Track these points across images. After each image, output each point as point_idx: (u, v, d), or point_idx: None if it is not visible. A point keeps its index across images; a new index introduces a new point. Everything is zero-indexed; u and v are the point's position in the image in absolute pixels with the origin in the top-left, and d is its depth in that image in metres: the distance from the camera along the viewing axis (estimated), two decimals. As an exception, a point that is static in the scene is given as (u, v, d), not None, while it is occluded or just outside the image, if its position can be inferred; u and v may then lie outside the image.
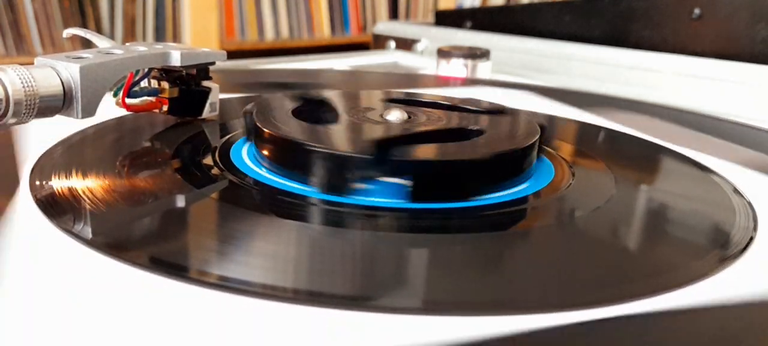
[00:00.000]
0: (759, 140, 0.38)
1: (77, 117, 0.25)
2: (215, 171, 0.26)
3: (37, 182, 0.24)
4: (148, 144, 0.31)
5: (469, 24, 0.77)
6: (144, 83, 0.31)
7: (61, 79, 0.25)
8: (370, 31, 1.28)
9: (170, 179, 0.26)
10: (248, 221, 0.22)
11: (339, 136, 0.27)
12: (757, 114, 0.47)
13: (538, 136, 0.27)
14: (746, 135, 0.39)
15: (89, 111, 0.25)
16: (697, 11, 0.57)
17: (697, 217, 0.25)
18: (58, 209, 0.22)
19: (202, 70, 0.33)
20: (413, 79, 0.57)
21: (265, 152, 0.26)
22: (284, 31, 1.55)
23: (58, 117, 0.25)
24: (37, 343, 0.15)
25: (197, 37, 1.37)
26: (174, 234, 0.22)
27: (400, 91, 0.36)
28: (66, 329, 0.15)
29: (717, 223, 0.24)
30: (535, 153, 0.27)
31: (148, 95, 0.31)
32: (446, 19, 0.81)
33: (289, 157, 0.25)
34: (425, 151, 0.25)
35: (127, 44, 0.30)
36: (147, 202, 0.24)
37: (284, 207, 0.23)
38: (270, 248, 0.21)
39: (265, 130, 0.26)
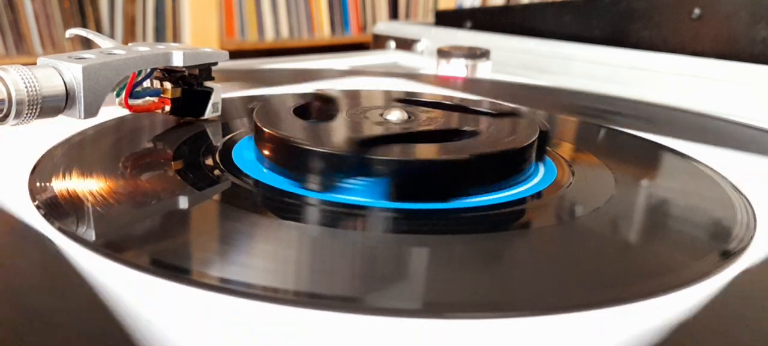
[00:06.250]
0: (759, 140, 0.38)
1: (80, 117, 0.25)
2: (217, 172, 0.26)
3: (38, 183, 0.24)
4: (149, 145, 0.31)
5: (469, 24, 0.77)
6: (146, 84, 0.31)
7: (63, 80, 0.25)
8: (370, 31, 1.28)
9: (172, 180, 0.26)
10: (249, 222, 0.22)
11: (338, 137, 0.27)
12: (757, 114, 0.47)
13: (536, 137, 0.27)
14: (746, 135, 0.39)
15: (92, 111, 0.25)
16: (697, 11, 0.57)
17: (697, 216, 0.26)
18: (59, 210, 0.22)
19: (205, 71, 0.33)
20: (413, 79, 0.57)
21: (267, 153, 0.26)
22: (284, 31, 1.55)
23: (59, 117, 0.25)
24: (37, 345, 0.15)
25: (197, 37, 1.37)
26: (175, 236, 0.22)
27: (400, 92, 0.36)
28: (66, 331, 0.15)
29: (717, 222, 0.24)
30: (532, 154, 0.27)
31: (151, 96, 0.31)
32: (446, 19, 0.81)
33: (289, 158, 0.25)
34: (419, 151, 0.25)
35: (130, 44, 0.30)
36: (148, 203, 0.24)
37: (286, 208, 0.23)
38: (271, 249, 0.21)
39: (266, 130, 0.26)
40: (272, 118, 0.28)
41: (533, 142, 0.27)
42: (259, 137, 0.27)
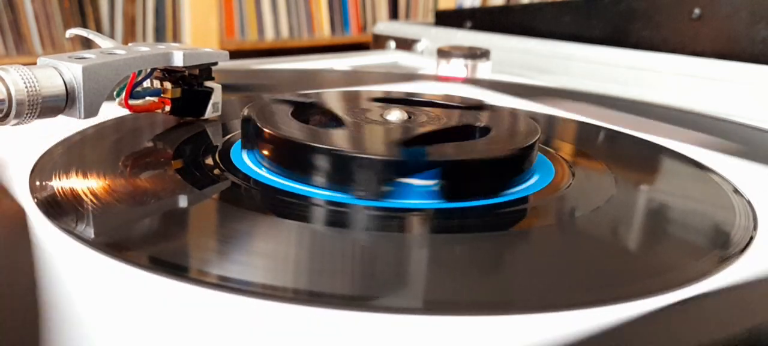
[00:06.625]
0: (759, 140, 0.39)
1: (80, 117, 0.25)
2: (216, 171, 0.26)
3: (38, 182, 0.24)
4: (149, 144, 0.31)
5: (469, 24, 0.77)
6: (146, 83, 0.31)
7: (63, 80, 0.25)
8: (370, 31, 1.28)
9: (171, 179, 0.26)
10: (249, 221, 0.22)
11: (345, 137, 0.27)
12: (757, 114, 0.47)
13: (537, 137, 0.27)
14: (746, 135, 0.39)
15: (92, 111, 0.25)
16: (697, 11, 0.57)
17: (697, 217, 0.26)
18: (59, 209, 0.22)
19: (205, 71, 0.33)
20: (413, 79, 0.57)
21: (266, 153, 0.26)
22: (284, 31, 1.55)
23: (59, 117, 0.25)
24: (37, 343, 0.15)
25: (197, 37, 1.37)
26: (175, 234, 0.22)
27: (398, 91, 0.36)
28: (66, 330, 0.15)
29: (717, 223, 0.24)
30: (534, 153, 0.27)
31: (151, 96, 0.32)
32: (446, 19, 0.81)
33: (295, 158, 0.25)
34: (447, 150, 0.25)
35: (130, 44, 0.30)
36: (148, 202, 0.24)
37: (285, 207, 0.23)
38: (270, 248, 0.21)
39: (266, 131, 0.26)
40: (269, 119, 0.28)
41: (534, 143, 0.27)
42: (258, 138, 0.27)
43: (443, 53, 0.57)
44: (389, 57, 0.71)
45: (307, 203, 0.23)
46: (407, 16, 1.72)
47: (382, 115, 0.29)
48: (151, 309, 0.16)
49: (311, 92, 0.33)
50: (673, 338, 0.17)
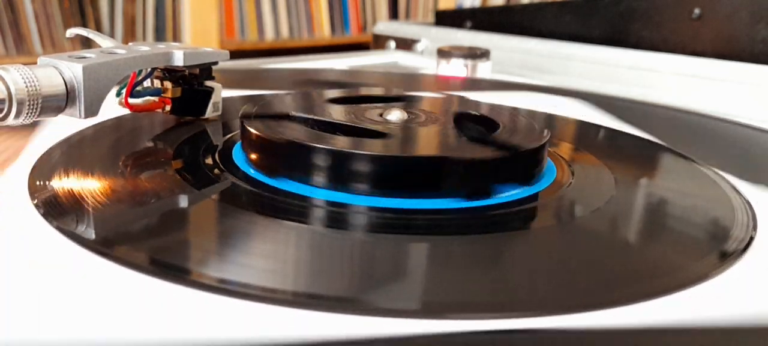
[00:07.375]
0: (759, 140, 0.38)
1: (80, 117, 0.25)
2: (216, 171, 0.26)
3: (37, 183, 0.24)
4: (149, 144, 0.31)
5: (469, 24, 0.77)
6: (147, 83, 0.31)
7: (63, 79, 0.25)
8: (370, 31, 1.28)
9: (171, 179, 0.26)
10: (249, 222, 0.22)
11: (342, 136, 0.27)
12: (757, 114, 0.47)
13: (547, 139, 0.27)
14: (746, 135, 0.39)
15: (92, 111, 0.25)
16: (697, 11, 0.57)
17: (697, 218, 0.26)
18: (58, 209, 0.22)
19: (205, 70, 0.33)
20: (413, 79, 0.57)
21: (260, 156, 0.26)
22: (284, 31, 1.55)
23: (59, 116, 0.25)
24: (36, 344, 0.15)
25: (197, 37, 1.37)
26: (174, 235, 0.22)
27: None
28: (65, 331, 0.15)
29: (717, 223, 0.24)
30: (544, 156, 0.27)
31: (151, 95, 0.31)
32: (446, 19, 0.81)
33: (288, 159, 0.25)
34: (421, 148, 0.25)
35: (130, 44, 0.30)
36: (147, 202, 0.24)
37: (285, 208, 0.23)
38: (270, 249, 0.21)
39: (259, 134, 0.26)
40: (265, 119, 0.28)
41: (545, 143, 0.27)
42: (253, 139, 0.27)
43: (443, 53, 0.57)
44: (389, 57, 0.71)
45: (306, 204, 0.23)
46: (407, 16, 1.72)
47: (381, 115, 0.29)
48: (149, 311, 0.16)
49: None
50: (673, 339, 0.17)
